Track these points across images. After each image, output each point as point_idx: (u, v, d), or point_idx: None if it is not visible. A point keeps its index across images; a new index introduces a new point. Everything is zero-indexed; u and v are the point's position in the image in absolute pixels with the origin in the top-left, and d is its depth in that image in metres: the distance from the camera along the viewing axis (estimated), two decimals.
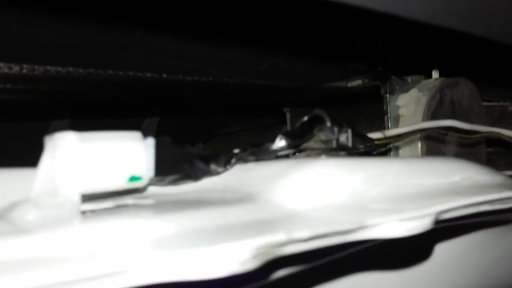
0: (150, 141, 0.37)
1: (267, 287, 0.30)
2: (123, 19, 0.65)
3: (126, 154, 0.34)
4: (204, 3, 0.62)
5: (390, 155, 0.70)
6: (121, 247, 0.24)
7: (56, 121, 0.90)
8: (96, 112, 0.91)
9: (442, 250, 0.49)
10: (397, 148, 0.71)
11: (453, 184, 0.40)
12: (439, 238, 0.52)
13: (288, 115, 0.92)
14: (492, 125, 0.82)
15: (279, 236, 0.24)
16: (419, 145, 0.70)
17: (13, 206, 0.31)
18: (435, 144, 0.73)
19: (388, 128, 0.72)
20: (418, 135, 0.68)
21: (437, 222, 0.32)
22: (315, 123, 0.42)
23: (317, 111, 0.42)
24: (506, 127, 0.69)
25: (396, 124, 0.73)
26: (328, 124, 0.42)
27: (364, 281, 0.43)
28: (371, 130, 0.55)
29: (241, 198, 0.35)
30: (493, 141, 0.92)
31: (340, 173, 0.35)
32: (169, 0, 0.59)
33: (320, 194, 0.33)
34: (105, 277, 0.20)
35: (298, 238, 0.25)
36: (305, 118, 0.42)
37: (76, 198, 0.32)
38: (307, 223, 0.27)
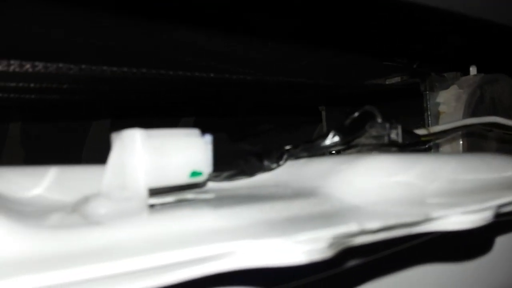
0: (208, 138, 0.38)
1: (334, 277, 0.31)
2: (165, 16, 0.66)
3: (188, 150, 0.36)
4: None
5: (431, 152, 0.70)
6: (198, 236, 0.25)
7: (97, 121, 0.93)
8: (135, 112, 0.94)
9: (499, 243, 0.49)
10: (437, 146, 0.71)
11: (507, 179, 0.40)
12: (495, 232, 0.52)
13: (323, 114, 0.93)
14: None
15: (352, 227, 0.25)
16: (460, 142, 0.70)
17: (85, 200, 0.33)
18: (476, 141, 0.72)
19: (429, 125, 0.72)
20: (460, 132, 0.68)
21: (497, 215, 0.32)
22: (366, 119, 0.42)
23: (367, 107, 0.43)
24: None
25: (436, 121, 0.72)
26: (379, 120, 0.42)
27: (423, 274, 0.44)
28: (411, 128, 0.56)
29: (299, 193, 0.36)
30: None
31: (397, 168, 0.36)
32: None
33: (378, 188, 0.34)
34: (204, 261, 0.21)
35: (369, 229, 0.25)
36: (356, 114, 0.43)
37: (144, 192, 0.33)
38: (374, 215, 0.28)
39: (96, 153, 0.90)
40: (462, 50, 0.86)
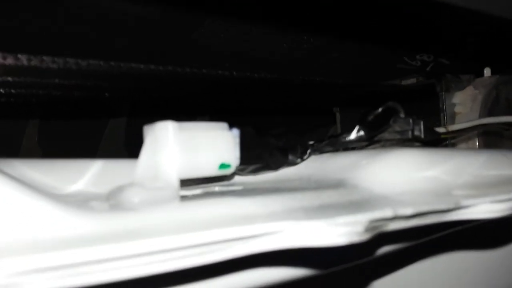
0: (236, 131, 0.39)
1: (370, 263, 0.32)
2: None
3: (218, 142, 0.37)
4: None
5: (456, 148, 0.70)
6: (234, 220, 0.26)
7: (113, 119, 0.94)
8: (150, 111, 0.95)
9: None
10: (454, 145, 0.71)
11: None
12: None
13: (338, 115, 0.93)
14: None
15: (387, 212, 0.26)
16: (477, 141, 0.70)
17: (119, 189, 0.34)
18: (491, 140, 0.73)
19: (445, 125, 0.72)
20: (476, 132, 0.69)
21: None
22: (390, 114, 0.43)
23: (390, 103, 0.44)
24: None
25: (452, 122, 0.73)
26: (402, 115, 0.43)
27: (454, 262, 0.44)
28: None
29: (325, 185, 0.36)
30: None
31: (425, 163, 0.36)
32: None
33: (406, 180, 0.35)
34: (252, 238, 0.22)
35: (403, 214, 0.26)
36: (379, 110, 0.43)
37: (176, 182, 0.34)
38: (406, 203, 0.28)
39: (112, 152, 0.91)
40: (477, 52, 0.86)
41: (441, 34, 0.74)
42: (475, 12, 0.43)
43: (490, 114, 0.74)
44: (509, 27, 0.50)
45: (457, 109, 0.74)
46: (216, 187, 0.40)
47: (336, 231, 0.23)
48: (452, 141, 0.72)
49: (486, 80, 0.77)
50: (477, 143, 0.70)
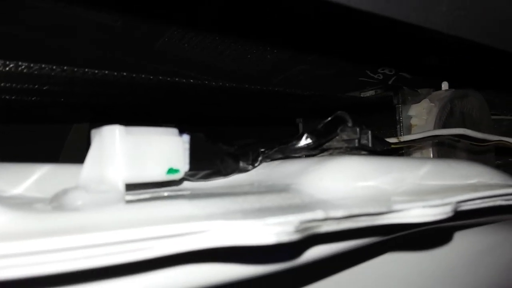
0: (186, 137, 0.40)
1: (302, 268, 0.32)
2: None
3: (166, 147, 0.37)
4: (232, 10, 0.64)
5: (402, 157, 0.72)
6: (171, 221, 0.26)
7: (76, 124, 0.93)
8: (114, 117, 0.94)
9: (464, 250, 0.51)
10: (409, 154, 0.73)
11: (471, 185, 0.42)
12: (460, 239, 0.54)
13: (300, 126, 0.95)
14: None
15: (318, 214, 0.26)
16: (431, 151, 0.72)
17: (63, 192, 0.34)
18: (446, 151, 0.75)
19: (401, 136, 0.74)
20: (431, 142, 0.71)
21: (457, 214, 0.34)
22: (338, 123, 0.44)
23: (339, 113, 0.45)
24: None
25: (408, 133, 0.75)
26: (350, 124, 0.44)
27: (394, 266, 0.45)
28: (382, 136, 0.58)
29: (272, 190, 0.37)
30: (501, 153, 0.95)
31: (365, 169, 0.37)
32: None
33: (346, 186, 0.36)
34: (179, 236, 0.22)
35: (334, 216, 0.27)
36: (329, 119, 0.45)
37: (121, 186, 0.34)
38: (340, 206, 0.29)
39: (74, 157, 0.90)
40: (436, 67, 0.89)
41: (402, 51, 0.77)
42: (433, 31, 0.45)
43: (445, 126, 0.76)
44: (463, 46, 0.52)
45: (413, 121, 0.76)
46: (166, 192, 0.40)
47: (266, 231, 0.24)
48: (408, 150, 0.74)
49: (442, 94, 0.79)
50: (431, 154, 0.72)
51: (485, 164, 0.84)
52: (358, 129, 0.44)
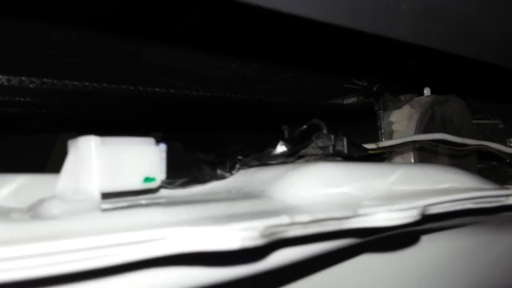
0: (163, 146, 0.41)
1: (272, 274, 0.33)
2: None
3: (142, 157, 0.38)
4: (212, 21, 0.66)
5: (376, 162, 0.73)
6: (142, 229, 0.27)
7: (64, 134, 0.94)
8: (102, 127, 0.95)
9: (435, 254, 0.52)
10: (390, 159, 0.74)
11: (442, 190, 0.43)
12: (431, 245, 0.55)
13: (286, 132, 0.96)
14: None
15: (284, 219, 0.27)
16: (412, 156, 0.73)
17: (40, 202, 0.34)
18: (427, 156, 0.76)
19: (383, 141, 0.75)
20: (411, 147, 0.72)
21: (426, 218, 0.35)
22: (313, 131, 0.45)
23: (314, 120, 0.46)
24: None
25: (390, 139, 0.76)
26: (325, 131, 0.45)
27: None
28: (360, 142, 0.59)
29: (246, 196, 0.38)
30: (484, 157, 0.96)
31: (336, 176, 0.38)
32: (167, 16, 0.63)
33: (317, 192, 0.37)
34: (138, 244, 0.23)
35: (299, 221, 0.28)
36: (304, 127, 0.46)
37: (97, 195, 0.35)
38: (307, 211, 0.30)
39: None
40: (418, 74, 0.91)
41: (380, 60, 0.78)
42: (414, 44, 0.46)
43: (426, 131, 0.77)
44: (442, 57, 0.53)
45: (394, 126, 0.77)
46: (143, 200, 0.41)
47: (231, 236, 0.25)
48: (390, 156, 0.75)
49: (423, 100, 0.81)
50: (412, 158, 0.73)
51: (466, 168, 0.86)
52: (332, 136, 0.45)
